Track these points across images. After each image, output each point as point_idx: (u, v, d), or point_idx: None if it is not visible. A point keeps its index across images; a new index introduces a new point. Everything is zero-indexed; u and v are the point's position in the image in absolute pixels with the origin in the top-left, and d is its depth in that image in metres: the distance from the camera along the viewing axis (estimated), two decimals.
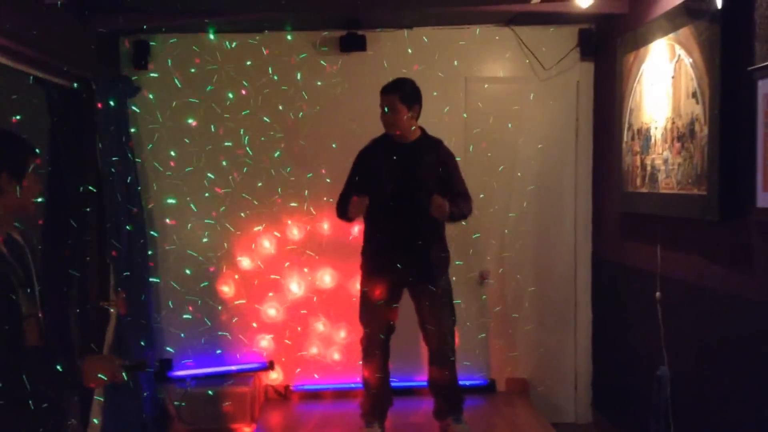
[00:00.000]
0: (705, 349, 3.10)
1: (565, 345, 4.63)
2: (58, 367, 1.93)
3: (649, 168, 3.53)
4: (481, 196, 4.30)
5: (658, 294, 3.46)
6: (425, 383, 3.94)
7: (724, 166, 2.83)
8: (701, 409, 3.12)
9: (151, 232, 4.41)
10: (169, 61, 4.37)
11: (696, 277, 3.15)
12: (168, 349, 4.48)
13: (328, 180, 4.34)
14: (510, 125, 4.51)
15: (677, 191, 3.21)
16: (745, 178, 2.67)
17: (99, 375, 2.04)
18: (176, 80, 4.36)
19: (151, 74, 4.39)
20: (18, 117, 3.10)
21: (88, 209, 4.00)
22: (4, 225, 2.06)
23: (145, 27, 4.12)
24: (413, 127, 3.73)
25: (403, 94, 3.64)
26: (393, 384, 3.94)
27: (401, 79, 3.73)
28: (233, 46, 4.39)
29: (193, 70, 4.39)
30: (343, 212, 3.73)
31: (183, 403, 4.34)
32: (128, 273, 4.07)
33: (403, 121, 3.66)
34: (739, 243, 2.79)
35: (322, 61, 4.45)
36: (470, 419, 3.89)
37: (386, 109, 3.65)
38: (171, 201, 4.44)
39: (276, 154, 4.46)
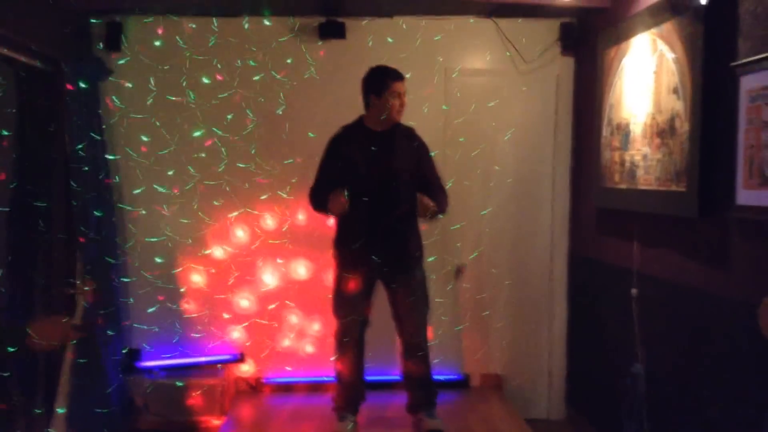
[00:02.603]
0: (680, 346, 3.08)
1: (540, 341, 4.61)
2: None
3: (627, 164, 3.50)
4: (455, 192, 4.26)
5: (634, 290, 3.43)
6: (399, 377, 3.89)
7: (704, 163, 2.81)
8: (676, 406, 3.11)
9: (121, 219, 4.30)
10: (141, 44, 4.25)
11: (673, 273, 3.13)
12: (137, 339, 4.37)
13: (304, 170, 4.26)
14: (489, 118, 4.47)
15: (656, 187, 3.19)
16: (725, 175, 2.65)
17: (49, 337, 1.95)
18: (149, 64, 4.24)
19: (124, 57, 4.26)
20: None
21: (55, 194, 3.89)
22: None
23: (117, 7, 4.02)
24: None
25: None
26: (366, 378, 3.89)
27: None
28: (210, 29, 4.28)
29: (166, 55, 4.27)
30: (320, 205, 3.65)
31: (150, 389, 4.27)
32: (96, 260, 3.96)
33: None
34: (718, 240, 2.77)
35: (302, 48, 4.36)
36: (444, 414, 3.86)
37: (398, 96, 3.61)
38: (141, 188, 4.33)
39: (252, 143, 4.37)
